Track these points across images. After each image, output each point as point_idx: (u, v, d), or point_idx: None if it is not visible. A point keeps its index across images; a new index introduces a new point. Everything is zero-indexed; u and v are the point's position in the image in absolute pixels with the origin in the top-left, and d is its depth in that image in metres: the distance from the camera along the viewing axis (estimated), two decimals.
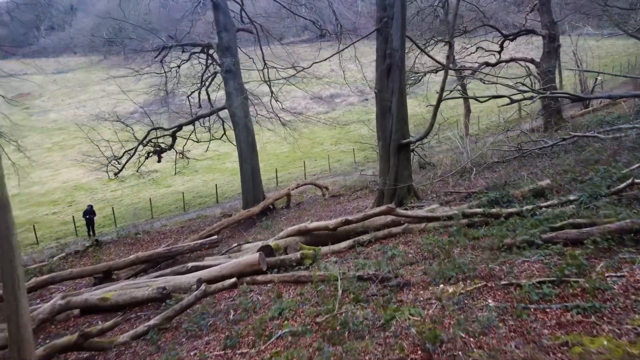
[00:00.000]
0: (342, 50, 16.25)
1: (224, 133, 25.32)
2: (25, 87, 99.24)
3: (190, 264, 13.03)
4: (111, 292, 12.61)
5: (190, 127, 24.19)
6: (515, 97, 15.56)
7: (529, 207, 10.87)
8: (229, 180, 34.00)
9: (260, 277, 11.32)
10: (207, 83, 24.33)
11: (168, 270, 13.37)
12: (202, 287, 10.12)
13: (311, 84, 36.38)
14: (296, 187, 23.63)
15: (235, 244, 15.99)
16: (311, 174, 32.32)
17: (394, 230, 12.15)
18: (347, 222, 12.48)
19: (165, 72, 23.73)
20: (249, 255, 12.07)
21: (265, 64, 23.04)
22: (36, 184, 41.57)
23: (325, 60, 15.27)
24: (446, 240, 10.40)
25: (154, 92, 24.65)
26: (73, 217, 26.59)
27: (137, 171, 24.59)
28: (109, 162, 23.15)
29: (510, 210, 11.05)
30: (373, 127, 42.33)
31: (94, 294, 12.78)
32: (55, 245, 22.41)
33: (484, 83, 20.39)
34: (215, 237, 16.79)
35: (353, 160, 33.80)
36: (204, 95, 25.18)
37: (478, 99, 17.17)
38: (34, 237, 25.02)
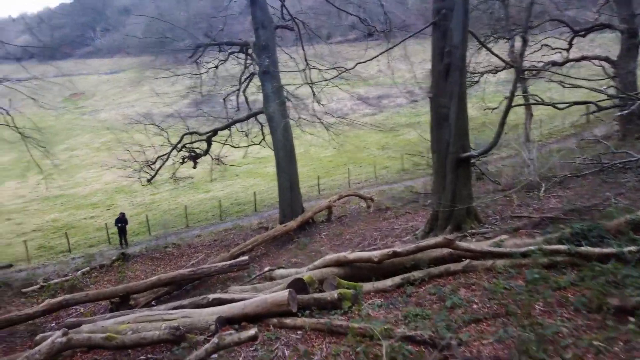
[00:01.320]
0: (391, 48, 14.18)
1: (263, 138, 23.69)
2: (80, 87, 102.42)
3: (211, 296, 11.30)
4: (123, 324, 11.11)
5: (227, 131, 22.68)
6: (601, 104, 12.92)
7: (633, 248, 8.42)
8: (269, 187, 32.43)
9: (289, 321, 9.42)
10: (245, 85, 22.75)
11: (187, 302, 11.70)
12: (215, 339, 8.30)
13: (357, 85, 34.41)
14: (338, 199, 21.65)
15: (267, 268, 14.18)
16: (355, 182, 30.29)
17: (453, 267, 9.95)
18: (395, 255, 10.38)
19: (200, 74, 22.32)
20: (278, 292, 10.19)
21: (307, 64, 21.18)
22: (80, 184, 41.65)
23: (371, 59, 13.26)
24: (522, 289, 8.16)
25: (189, 95, 23.34)
26: (106, 224, 25.71)
27: (172, 177, 23.39)
28: (142, 168, 21.97)
29: (606, 250, 8.64)
30: (423, 130, 39.65)
31: (105, 324, 11.32)
32: (84, 255, 21.42)
33: (563, 86, 17.61)
34: (246, 258, 15.05)
35: (401, 167, 31.49)
36: (242, 98, 23.63)
37: (556, 105, 14.61)
38: (67, 244, 24.25)
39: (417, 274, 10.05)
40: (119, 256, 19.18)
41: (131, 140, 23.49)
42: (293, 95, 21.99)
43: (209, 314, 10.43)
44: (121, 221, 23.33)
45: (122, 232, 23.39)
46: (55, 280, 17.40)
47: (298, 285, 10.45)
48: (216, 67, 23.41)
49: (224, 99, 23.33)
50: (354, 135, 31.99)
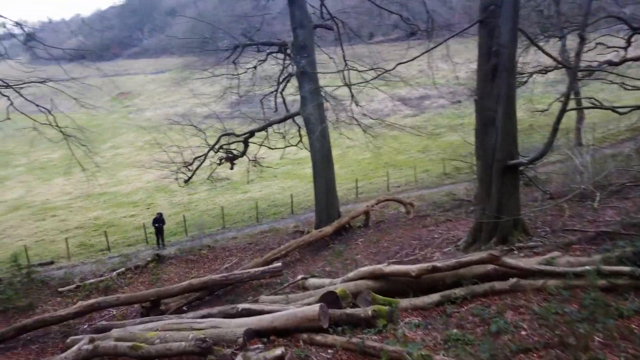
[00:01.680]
0: (434, 48, 13.43)
1: (300, 139, 23.26)
2: (126, 86, 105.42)
3: (241, 306, 10.89)
4: (151, 332, 10.87)
5: (264, 132, 22.37)
6: None
7: None
8: (306, 189, 32.03)
9: (319, 337, 8.88)
10: (282, 85, 22.38)
11: (216, 310, 11.35)
12: (240, 358, 7.85)
13: (398, 85, 33.54)
14: (376, 204, 20.97)
15: (300, 277, 13.70)
16: (394, 185, 29.48)
17: (498, 286, 9.16)
18: (435, 270, 9.68)
19: (238, 74, 22.11)
20: (308, 306, 9.67)
21: (346, 64, 20.57)
22: (123, 182, 42.50)
23: (412, 60, 12.58)
24: (578, 315, 7.34)
25: (227, 96, 23.18)
26: (144, 224, 25.92)
27: (209, 178, 23.27)
28: (179, 169, 21.94)
29: None
30: (466, 133, 38.36)
31: (134, 330, 11.13)
32: (121, 255, 21.57)
33: (625, 88, 16.34)
34: (279, 265, 14.64)
35: (442, 171, 30.44)
36: (280, 99, 23.28)
37: (617, 110, 13.46)
38: (106, 242, 24.57)
39: (458, 291, 9.33)
40: (153, 258, 19.16)
41: (169, 140, 23.55)
42: (331, 97, 21.46)
43: (238, 325, 10.03)
44: (158, 221, 23.43)
45: (159, 232, 23.49)
46: (91, 280, 17.52)
47: (330, 299, 9.91)
48: (255, 67, 23.14)
49: (261, 100, 23.04)
50: (393, 137, 31.20)
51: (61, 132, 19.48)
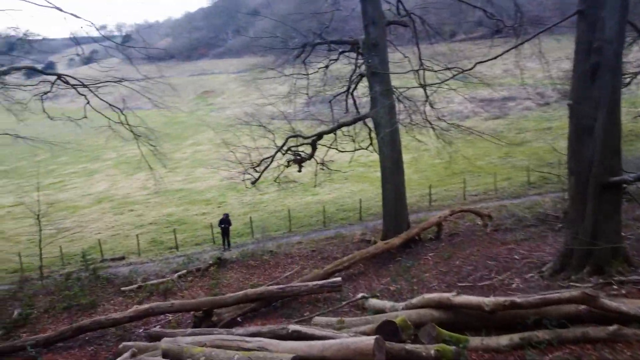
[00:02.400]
0: (521, 43, 11.93)
1: (371, 142, 22.08)
2: (210, 85, 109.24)
3: (291, 327, 10.03)
4: (198, 347, 10.30)
5: (332, 134, 21.44)
6: None
7: None
8: (377, 193, 30.68)
9: None
10: (353, 86, 21.34)
11: (266, 329, 10.58)
12: None
13: (479, 86, 31.28)
14: (450, 215, 19.34)
15: (360, 295, 12.64)
16: (472, 194, 27.46)
17: (593, 332, 7.57)
18: (514, 306, 8.23)
19: (308, 74, 21.36)
20: (363, 338, 8.58)
21: (421, 63, 19.14)
22: (199, 179, 43.45)
23: (495, 58, 11.13)
24: None
25: (296, 96, 22.53)
26: (211, 224, 25.92)
27: (276, 180, 22.75)
28: (246, 170, 21.57)
29: None
30: (554, 138, 35.25)
31: (182, 343, 10.60)
32: (186, 255, 21.57)
33: None
34: (338, 279, 13.65)
35: (527, 180, 27.94)
36: (351, 99, 22.24)
37: None
38: (174, 241, 24.82)
39: (542, 334, 7.83)
40: (215, 261, 18.84)
41: (238, 140, 23.31)
42: (405, 97, 20.10)
43: (286, 350, 9.17)
44: (224, 222, 23.27)
45: (225, 233, 23.34)
46: (153, 281, 17.47)
47: (388, 329, 8.77)
48: (326, 67, 22.28)
49: (330, 101, 22.11)
50: (470, 142, 29.06)
51: (131, 131, 19.72)
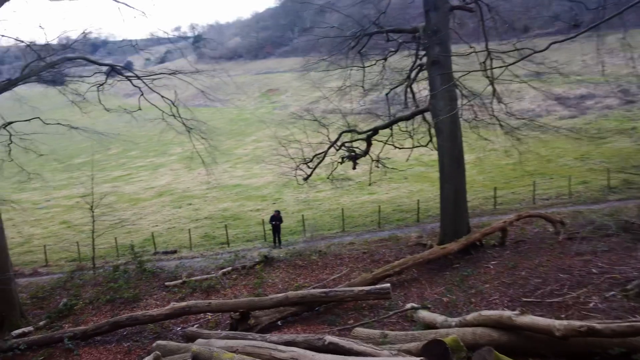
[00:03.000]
0: (606, 20, 10.04)
1: (430, 139, 20.62)
2: (275, 84, 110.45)
3: (328, 339, 9.03)
4: (230, 352, 9.55)
5: (388, 130, 20.22)
6: None
7: None
8: (437, 194, 29.12)
9: None
10: (412, 78, 19.95)
11: (301, 338, 9.62)
12: None
13: (554, 82, 28.78)
14: (517, 219, 17.52)
15: (409, 306, 11.44)
16: (542, 198, 25.18)
17: None
18: (592, 332, 6.79)
19: (364, 66, 20.26)
20: (407, 358, 7.43)
21: (488, 54, 17.43)
22: (257, 175, 43.39)
23: (574, 37, 9.46)
24: None
25: (352, 89, 21.48)
26: (263, 220, 25.40)
27: (329, 177, 21.88)
28: (298, 166, 20.83)
29: None
30: (638, 138, 31.92)
31: (215, 346, 9.92)
32: (233, 252, 21.10)
33: None
34: (387, 286, 12.45)
35: (606, 183, 25.28)
36: (410, 93, 20.87)
37: None
38: (226, 236, 24.52)
39: None
40: (261, 259, 18.16)
41: (294, 137, 22.65)
42: (469, 91, 18.47)
43: None
44: (275, 219, 22.64)
45: (276, 230, 22.70)
46: (197, 278, 17.02)
47: (437, 350, 7.56)
48: (384, 59, 21.03)
49: (387, 95, 20.83)
50: (543, 141, 26.70)
51: (183, 124, 19.49)
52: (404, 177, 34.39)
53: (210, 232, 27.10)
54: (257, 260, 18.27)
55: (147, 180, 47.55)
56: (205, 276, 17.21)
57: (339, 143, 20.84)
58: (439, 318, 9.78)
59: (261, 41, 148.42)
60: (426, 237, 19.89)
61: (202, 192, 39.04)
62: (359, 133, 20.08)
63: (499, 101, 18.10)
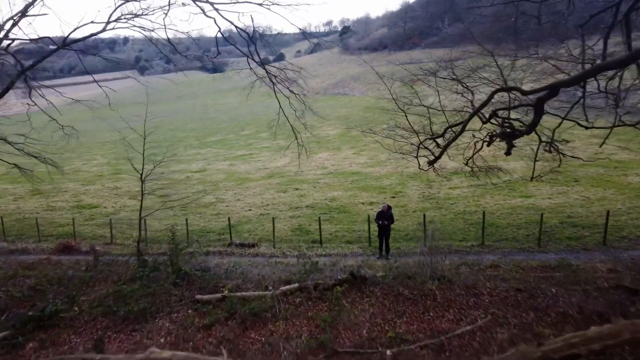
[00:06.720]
0: None
1: None
2: (419, 74, 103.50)
3: None
4: None
5: (575, 93, 12.35)
6: None
7: None
8: (630, 206, 19.86)
9: None
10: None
11: None
12: None
13: None
14: None
15: None
16: None
17: None
18: None
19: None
20: None
21: None
22: (380, 164, 36.92)
23: None
24: None
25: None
26: (368, 216, 18.84)
27: (467, 164, 14.85)
28: (420, 144, 14.10)
29: None
30: None
31: None
32: (328, 253, 14.91)
33: None
34: None
35: None
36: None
37: None
38: (319, 234, 18.48)
39: None
40: (347, 278, 11.67)
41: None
42: None
43: None
44: (383, 216, 15.97)
45: (384, 232, 16.04)
46: (245, 293, 11.17)
47: None
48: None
49: (581, 26, 12.80)
50: None
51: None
52: (573, 179, 25.24)
53: (306, 224, 21.29)
54: (340, 277, 11.80)
55: (264, 161, 43.92)
56: (256, 293, 11.27)
57: (488, 110, 13.52)
58: None
59: (408, 31, 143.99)
60: (628, 273, 11.74)
61: (316, 177, 33.69)
62: (524, 94, 12.38)
63: None
